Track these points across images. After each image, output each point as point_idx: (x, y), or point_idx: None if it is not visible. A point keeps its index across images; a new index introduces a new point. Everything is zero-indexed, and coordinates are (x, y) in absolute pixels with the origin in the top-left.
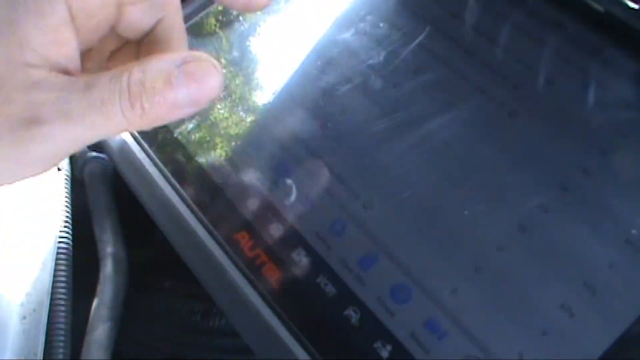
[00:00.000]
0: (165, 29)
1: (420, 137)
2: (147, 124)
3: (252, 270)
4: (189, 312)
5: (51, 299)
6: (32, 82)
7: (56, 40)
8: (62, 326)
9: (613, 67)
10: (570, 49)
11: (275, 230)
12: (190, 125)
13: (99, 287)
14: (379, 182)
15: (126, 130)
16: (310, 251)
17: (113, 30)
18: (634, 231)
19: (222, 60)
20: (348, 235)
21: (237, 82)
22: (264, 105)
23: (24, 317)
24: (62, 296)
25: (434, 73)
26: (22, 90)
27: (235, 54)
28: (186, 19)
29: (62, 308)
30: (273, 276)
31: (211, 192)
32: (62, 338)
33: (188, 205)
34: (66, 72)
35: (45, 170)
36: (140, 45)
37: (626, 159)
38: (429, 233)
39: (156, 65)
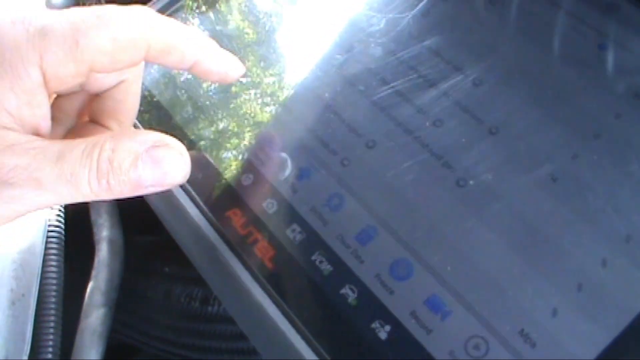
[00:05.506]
0: (124, 91)
1: (423, 104)
2: (111, 196)
3: (244, 249)
4: (188, 297)
5: (41, 285)
6: (5, 144)
7: (30, 102)
8: (53, 312)
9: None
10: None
11: (269, 207)
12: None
13: (94, 272)
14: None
15: (91, 199)
16: (305, 227)
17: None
18: None
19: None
20: (345, 210)
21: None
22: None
23: (13, 303)
24: (53, 281)
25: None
26: None
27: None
28: None
29: (53, 294)
30: (266, 254)
31: (202, 168)
32: (52, 324)
33: None
34: (37, 132)
35: (4, 224)
36: (97, 95)
37: None
38: (431, 205)
39: (126, 145)
